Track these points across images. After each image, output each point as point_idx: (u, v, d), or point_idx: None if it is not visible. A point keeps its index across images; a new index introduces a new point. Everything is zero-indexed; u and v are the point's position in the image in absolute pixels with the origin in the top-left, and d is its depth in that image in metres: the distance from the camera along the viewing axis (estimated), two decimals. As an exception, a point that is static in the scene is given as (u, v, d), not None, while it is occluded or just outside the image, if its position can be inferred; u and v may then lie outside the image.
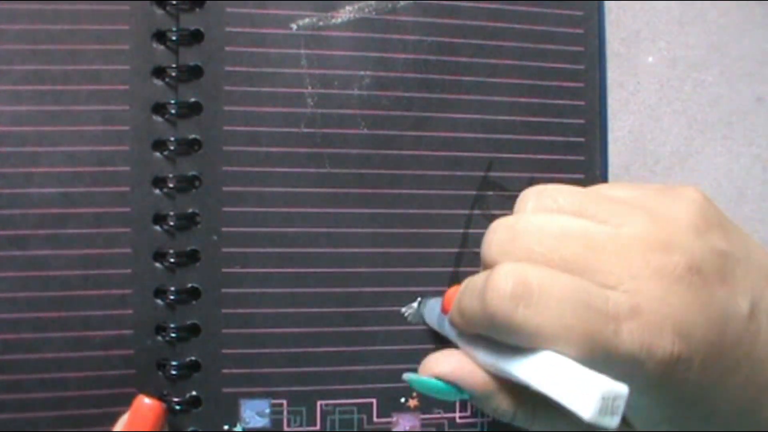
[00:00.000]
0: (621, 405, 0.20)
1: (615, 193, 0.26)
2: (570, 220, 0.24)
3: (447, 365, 0.25)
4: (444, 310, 0.27)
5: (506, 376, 0.24)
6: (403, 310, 0.32)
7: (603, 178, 0.34)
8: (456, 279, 0.33)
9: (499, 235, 0.24)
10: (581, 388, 0.20)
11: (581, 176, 0.34)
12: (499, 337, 0.23)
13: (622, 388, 0.20)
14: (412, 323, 0.32)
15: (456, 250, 0.33)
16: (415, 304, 0.32)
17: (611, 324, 0.21)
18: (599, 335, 0.21)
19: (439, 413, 0.33)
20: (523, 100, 0.34)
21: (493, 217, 0.33)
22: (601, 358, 0.21)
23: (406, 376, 0.26)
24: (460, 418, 0.33)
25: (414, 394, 0.33)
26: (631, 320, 0.21)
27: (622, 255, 0.23)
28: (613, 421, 0.20)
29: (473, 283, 0.24)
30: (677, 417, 0.23)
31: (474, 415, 0.33)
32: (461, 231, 0.33)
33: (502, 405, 0.24)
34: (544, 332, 0.21)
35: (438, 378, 0.25)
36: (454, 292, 0.26)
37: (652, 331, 0.21)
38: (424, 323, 0.32)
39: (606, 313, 0.21)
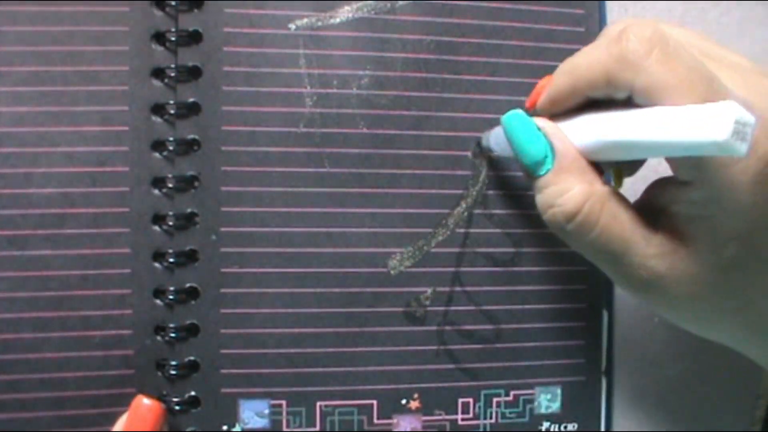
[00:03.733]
0: (750, 132, 0.19)
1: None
2: (689, 38, 0.24)
3: (548, 124, 0.25)
4: (531, 105, 0.27)
5: (605, 152, 0.24)
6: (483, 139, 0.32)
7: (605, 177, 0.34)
8: (457, 279, 0.33)
9: (622, 25, 0.24)
10: (712, 115, 0.19)
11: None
12: (617, 83, 0.23)
13: (750, 116, 0.19)
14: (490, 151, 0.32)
15: (457, 249, 0.33)
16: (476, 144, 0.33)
17: (728, 99, 0.21)
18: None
19: (440, 414, 0.33)
20: (523, 99, 0.33)
21: (494, 217, 0.33)
22: None
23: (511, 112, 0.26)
24: (462, 419, 0.33)
25: (415, 395, 0.32)
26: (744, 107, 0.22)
27: (736, 70, 0.23)
28: (744, 147, 0.19)
29: (570, 62, 0.25)
30: (746, 239, 0.23)
31: (476, 416, 0.33)
32: (462, 230, 0.33)
33: (575, 187, 0.24)
34: (669, 81, 0.21)
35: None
36: (539, 90, 0.27)
37: (760, 127, 0.21)
38: (490, 160, 0.33)
39: (725, 92, 0.22)
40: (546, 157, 0.24)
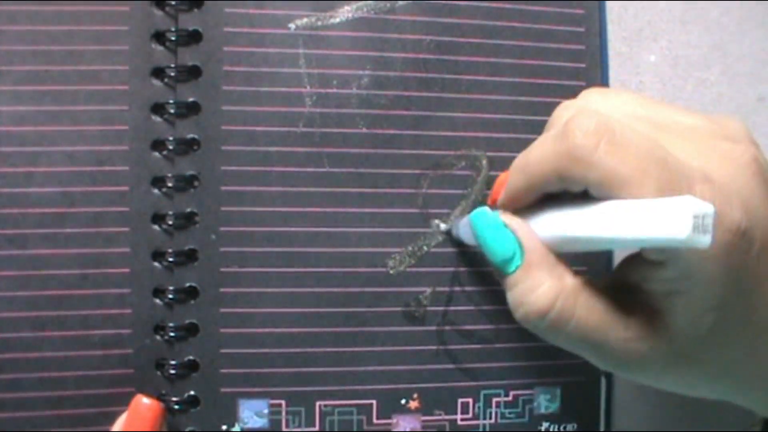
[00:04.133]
0: (710, 223, 0.19)
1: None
2: (636, 108, 0.24)
3: (514, 221, 0.25)
4: (492, 201, 0.27)
5: (568, 245, 0.24)
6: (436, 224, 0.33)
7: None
8: (456, 278, 0.33)
9: (568, 111, 0.24)
10: (670, 213, 0.19)
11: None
12: (569, 179, 0.23)
13: (708, 207, 0.19)
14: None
15: (456, 249, 0.33)
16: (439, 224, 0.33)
17: (685, 181, 0.21)
18: (674, 187, 0.21)
19: (440, 415, 0.33)
20: (523, 99, 0.33)
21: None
22: None
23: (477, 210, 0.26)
24: (462, 420, 0.33)
25: (415, 395, 0.32)
26: (703, 184, 0.21)
27: (689, 138, 0.23)
28: (706, 239, 0.19)
29: (523, 158, 0.25)
30: (722, 307, 0.23)
31: (476, 416, 0.33)
32: (461, 231, 0.33)
33: (545, 283, 0.23)
34: (621, 172, 0.21)
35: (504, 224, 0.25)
36: (500, 185, 0.27)
37: (722, 198, 0.21)
38: (459, 244, 0.32)
39: (681, 171, 0.21)
40: (514, 254, 0.24)
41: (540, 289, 0.23)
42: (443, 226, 0.32)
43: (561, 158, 0.22)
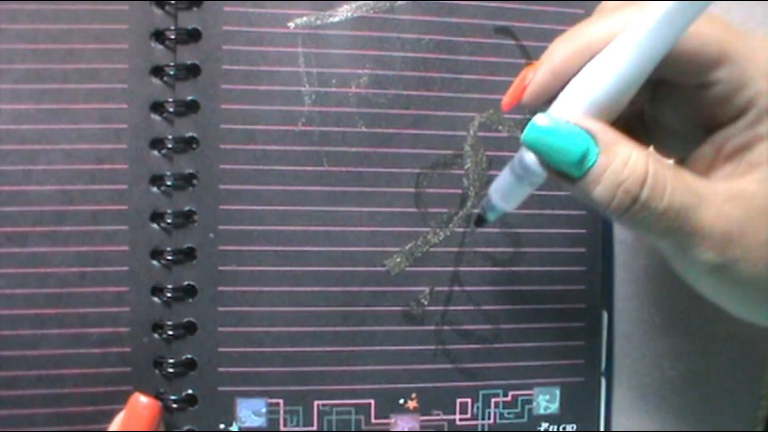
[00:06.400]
0: None
1: None
2: None
3: (568, 112, 0.24)
4: (514, 100, 0.26)
5: (622, 91, 0.23)
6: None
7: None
8: (456, 278, 0.33)
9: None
10: None
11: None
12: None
13: None
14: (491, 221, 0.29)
15: (456, 249, 0.33)
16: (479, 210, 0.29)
17: None
18: None
19: (438, 415, 0.33)
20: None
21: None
22: None
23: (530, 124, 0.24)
24: (460, 420, 0.33)
25: (413, 395, 0.32)
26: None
27: None
28: None
29: (572, 31, 0.24)
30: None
31: (474, 417, 0.33)
32: (461, 230, 0.33)
33: (632, 153, 0.23)
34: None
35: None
36: (520, 84, 0.26)
37: None
38: (487, 223, 0.29)
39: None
40: (589, 144, 0.23)
41: (630, 159, 0.23)
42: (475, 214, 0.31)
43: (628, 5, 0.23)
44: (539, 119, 0.23)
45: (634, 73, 0.23)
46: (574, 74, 0.24)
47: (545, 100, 0.25)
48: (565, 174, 0.23)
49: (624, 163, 0.23)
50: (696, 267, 0.24)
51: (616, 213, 0.23)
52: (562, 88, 0.24)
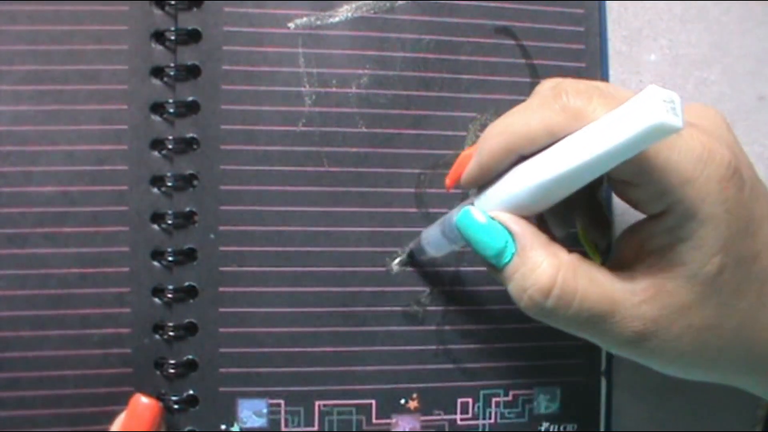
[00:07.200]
0: (678, 106, 0.20)
1: None
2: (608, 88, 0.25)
3: (498, 212, 0.25)
4: (452, 182, 0.27)
5: (548, 194, 0.23)
6: (394, 264, 0.32)
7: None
8: (456, 278, 0.33)
9: (550, 83, 0.26)
10: (639, 105, 0.20)
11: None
12: (561, 135, 0.23)
13: (672, 92, 0.20)
14: (402, 269, 0.32)
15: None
16: (400, 252, 0.32)
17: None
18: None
19: (439, 414, 0.33)
20: (523, 98, 0.33)
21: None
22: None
23: (462, 211, 0.25)
24: (461, 419, 0.33)
25: (414, 395, 0.32)
26: (691, 128, 0.23)
27: None
28: (679, 121, 0.20)
29: (502, 123, 0.25)
30: (727, 250, 0.23)
31: (475, 416, 0.33)
32: (461, 230, 0.33)
33: (543, 262, 0.24)
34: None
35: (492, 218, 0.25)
36: (461, 163, 0.27)
37: (709, 138, 0.23)
38: (421, 260, 0.32)
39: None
40: (507, 243, 0.24)
41: (540, 268, 0.24)
42: (397, 260, 0.32)
43: (554, 115, 0.23)
44: (472, 209, 0.25)
45: (564, 185, 0.23)
46: (501, 168, 0.25)
47: (487, 177, 0.26)
48: (486, 261, 0.25)
49: (532, 270, 0.24)
50: (612, 350, 0.26)
51: (526, 312, 0.24)
52: (494, 178, 0.25)
